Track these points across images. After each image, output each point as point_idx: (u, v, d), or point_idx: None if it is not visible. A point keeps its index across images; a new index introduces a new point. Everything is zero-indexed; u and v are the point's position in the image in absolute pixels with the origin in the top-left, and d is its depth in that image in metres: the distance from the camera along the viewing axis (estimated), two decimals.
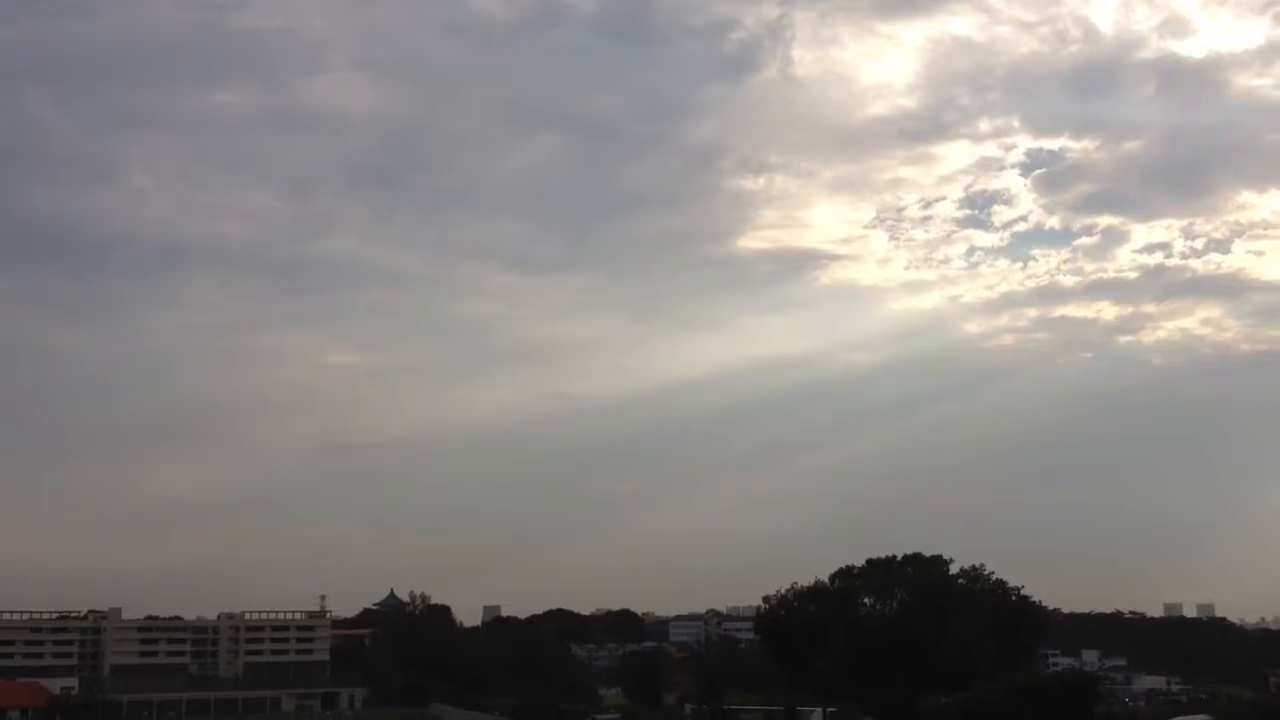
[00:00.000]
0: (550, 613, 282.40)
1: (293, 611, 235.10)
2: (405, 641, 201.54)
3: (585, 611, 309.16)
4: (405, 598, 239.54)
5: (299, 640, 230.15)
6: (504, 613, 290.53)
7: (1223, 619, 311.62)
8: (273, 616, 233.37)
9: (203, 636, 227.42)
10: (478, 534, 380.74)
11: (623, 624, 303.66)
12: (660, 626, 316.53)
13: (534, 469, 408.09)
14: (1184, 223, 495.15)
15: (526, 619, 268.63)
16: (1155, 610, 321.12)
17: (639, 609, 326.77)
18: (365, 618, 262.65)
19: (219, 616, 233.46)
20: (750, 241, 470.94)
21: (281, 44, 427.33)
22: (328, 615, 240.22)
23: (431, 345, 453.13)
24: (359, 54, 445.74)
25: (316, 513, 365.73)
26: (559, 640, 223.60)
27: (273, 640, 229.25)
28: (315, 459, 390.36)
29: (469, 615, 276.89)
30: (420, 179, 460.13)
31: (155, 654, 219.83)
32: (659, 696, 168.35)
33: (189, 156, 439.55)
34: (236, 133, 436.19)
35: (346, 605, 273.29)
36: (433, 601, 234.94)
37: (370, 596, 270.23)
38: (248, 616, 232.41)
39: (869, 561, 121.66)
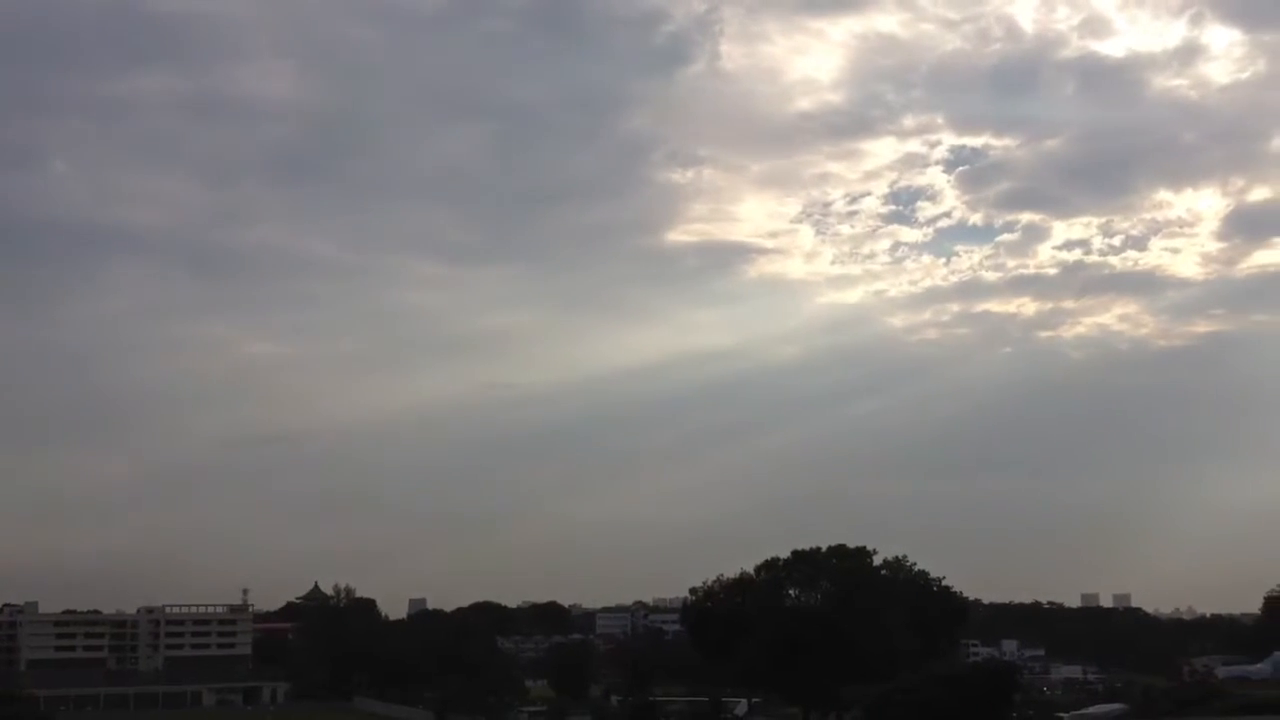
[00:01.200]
0: (476, 605, 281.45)
1: (214, 605, 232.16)
2: (329, 635, 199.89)
3: (512, 603, 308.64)
4: (330, 591, 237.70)
5: (220, 634, 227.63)
6: (430, 605, 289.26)
7: (1138, 609, 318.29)
8: (193, 610, 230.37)
9: (121, 631, 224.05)
10: (404, 526, 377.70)
11: (549, 616, 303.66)
12: (587, 618, 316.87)
13: (462, 460, 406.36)
14: (1102, 220, 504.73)
15: (453, 611, 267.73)
16: (1073, 600, 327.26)
17: (566, 601, 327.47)
18: (289, 611, 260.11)
19: (138, 610, 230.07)
20: (679, 234, 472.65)
21: (202, 29, 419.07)
22: (250, 609, 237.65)
23: (357, 335, 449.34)
24: (282, 40, 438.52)
25: (240, 505, 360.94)
26: (485, 633, 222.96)
27: (193, 635, 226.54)
28: (239, 449, 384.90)
29: (394, 608, 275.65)
30: (345, 167, 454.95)
31: (73, 648, 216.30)
32: (585, 688, 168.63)
33: (106, 142, 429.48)
34: (155, 118, 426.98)
35: (270, 598, 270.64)
36: (358, 594, 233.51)
37: (294, 589, 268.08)
38: (168, 610, 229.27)
39: (794, 553, 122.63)
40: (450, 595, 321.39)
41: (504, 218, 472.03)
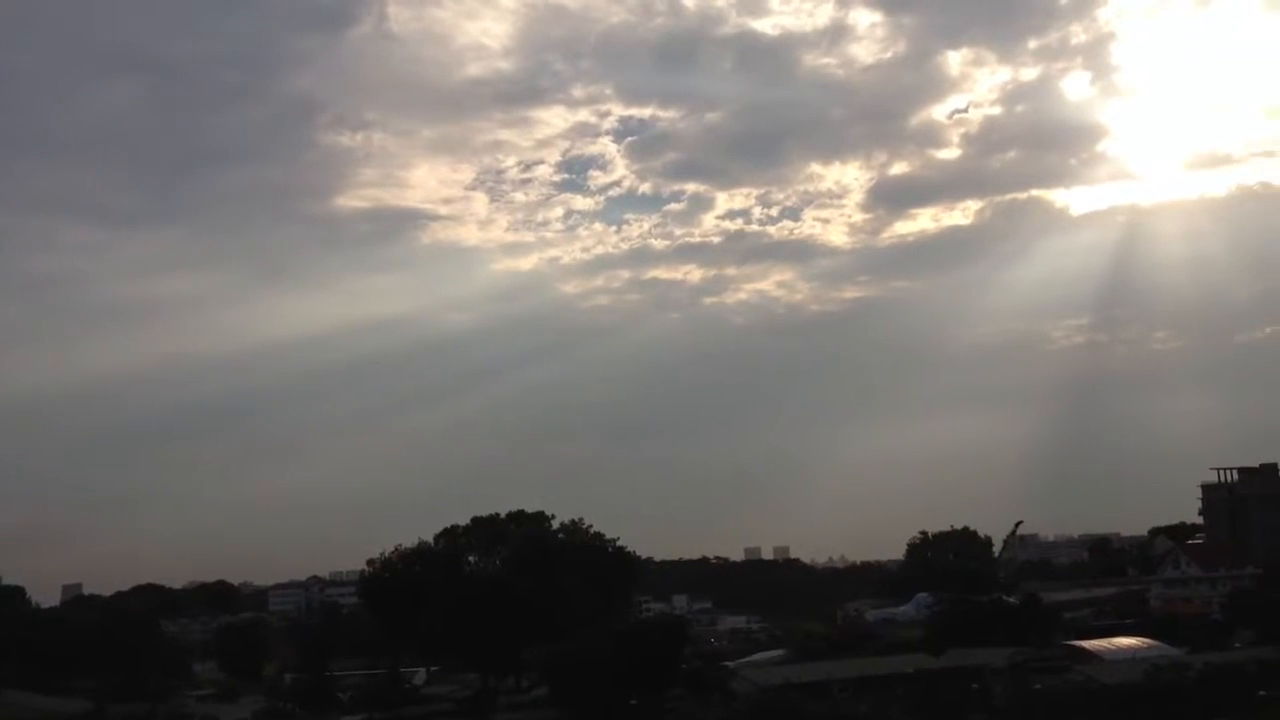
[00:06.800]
0: (137, 588, 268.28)
1: None
2: None
3: (177, 585, 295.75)
4: None
5: None
6: (86, 590, 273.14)
7: (797, 560, 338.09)
8: None
9: None
10: (56, 509, 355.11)
11: (218, 595, 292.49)
12: (259, 596, 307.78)
13: (120, 435, 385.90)
14: (761, 191, 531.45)
15: (111, 596, 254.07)
16: (737, 555, 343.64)
17: (236, 579, 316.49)
18: None
19: None
20: (349, 200, 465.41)
21: None
22: None
23: None
24: None
25: None
26: (147, 616, 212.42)
27: None
28: None
29: (46, 595, 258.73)
30: None
31: None
32: (258, 668, 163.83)
33: None
34: None
35: None
36: (3, 582, 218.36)
37: None
38: None
39: (474, 520, 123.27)
40: (109, 579, 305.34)
41: (162, 179, 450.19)
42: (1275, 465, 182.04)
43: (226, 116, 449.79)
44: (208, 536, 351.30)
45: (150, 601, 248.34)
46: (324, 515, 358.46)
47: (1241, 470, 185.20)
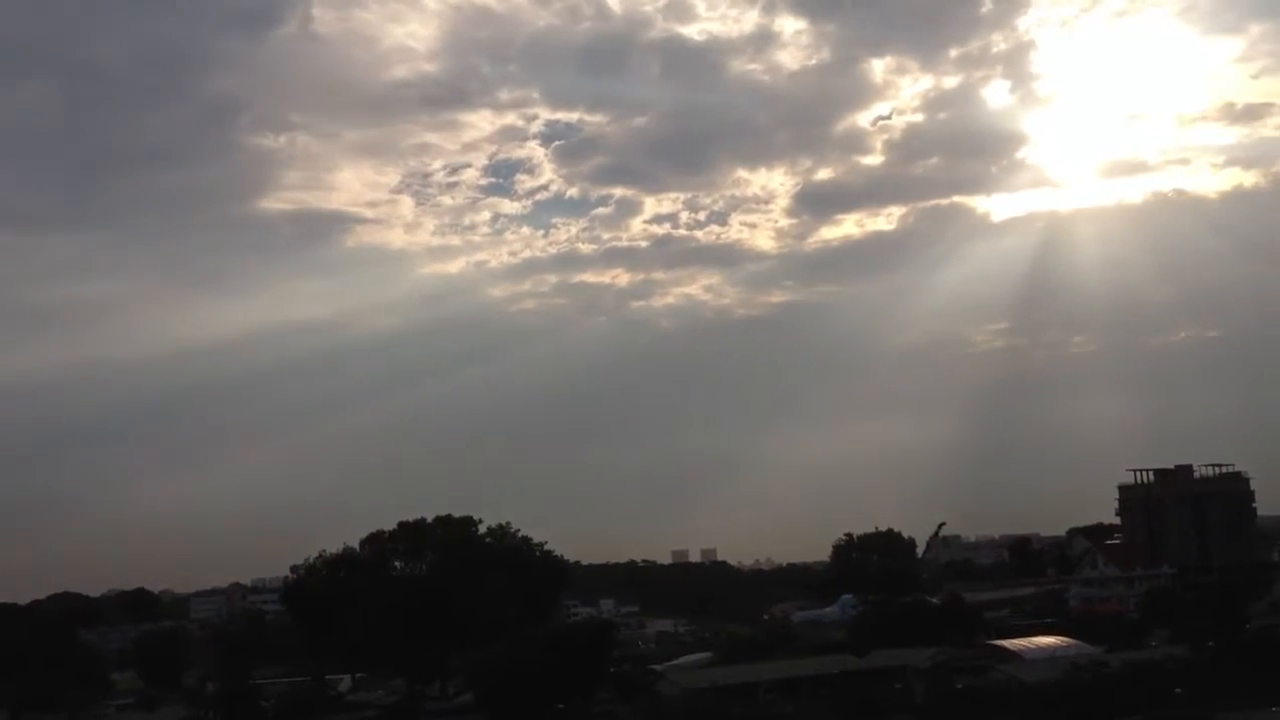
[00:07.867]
0: (54, 596, 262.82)
1: None
2: None
3: (95, 593, 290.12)
4: None
5: None
6: (1, 599, 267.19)
7: (724, 563, 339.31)
8: None
9: None
10: None
11: (137, 603, 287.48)
12: (179, 604, 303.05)
13: (36, 440, 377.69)
14: (688, 196, 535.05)
15: (27, 604, 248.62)
16: (664, 558, 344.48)
17: (156, 586, 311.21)
18: None
19: None
20: (273, 202, 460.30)
21: None
22: None
23: None
24: None
25: None
26: (65, 625, 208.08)
27: None
28: None
29: None
30: None
31: None
32: (178, 677, 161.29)
33: None
34: None
35: None
36: None
37: None
38: None
39: (400, 525, 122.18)
40: (25, 587, 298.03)
41: (76, 182, 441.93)
42: (1190, 467, 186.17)
43: (148, 118, 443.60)
44: (127, 543, 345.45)
45: (67, 610, 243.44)
46: (246, 521, 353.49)
47: (1157, 472, 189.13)
